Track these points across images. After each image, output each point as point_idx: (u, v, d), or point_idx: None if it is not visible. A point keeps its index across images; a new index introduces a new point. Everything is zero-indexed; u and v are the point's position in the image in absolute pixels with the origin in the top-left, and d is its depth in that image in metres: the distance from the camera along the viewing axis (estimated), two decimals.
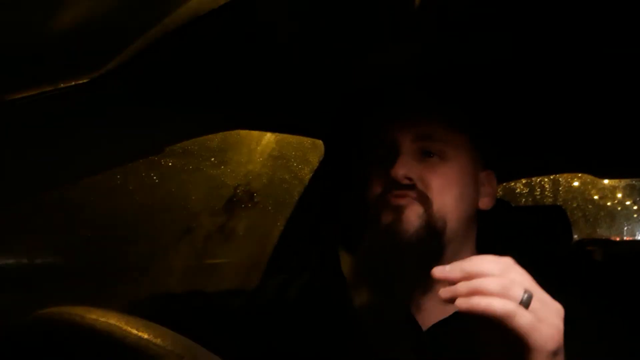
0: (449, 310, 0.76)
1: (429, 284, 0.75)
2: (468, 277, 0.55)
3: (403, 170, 0.75)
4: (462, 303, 0.53)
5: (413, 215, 0.75)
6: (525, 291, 0.53)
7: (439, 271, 0.57)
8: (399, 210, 0.75)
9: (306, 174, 1.36)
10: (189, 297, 1.07)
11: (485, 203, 0.84)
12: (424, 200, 0.76)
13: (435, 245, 0.76)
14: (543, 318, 0.53)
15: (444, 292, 0.55)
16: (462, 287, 0.54)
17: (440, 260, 0.76)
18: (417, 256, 0.74)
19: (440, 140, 0.79)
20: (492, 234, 0.84)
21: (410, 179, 0.76)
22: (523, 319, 0.51)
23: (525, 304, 0.53)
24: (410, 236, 0.74)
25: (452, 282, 0.56)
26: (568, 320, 0.71)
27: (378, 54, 0.86)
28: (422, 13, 0.67)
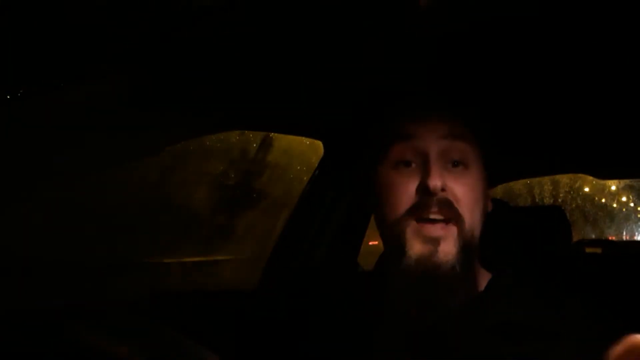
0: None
1: (458, 302, 0.73)
2: None
3: (440, 180, 0.70)
4: None
5: (450, 245, 0.70)
6: None
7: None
8: (435, 243, 0.70)
9: (306, 173, 1.36)
10: (190, 295, 1.07)
11: (489, 206, 0.81)
12: (458, 219, 0.71)
13: (469, 263, 0.73)
14: None
15: None
16: None
17: (473, 275, 0.74)
18: (452, 280, 0.71)
19: (464, 144, 0.74)
20: (491, 235, 0.84)
21: (444, 189, 0.71)
22: None
23: None
24: (451, 267, 0.70)
25: None
26: (568, 320, 0.71)
27: (379, 53, 0.86)
28: (427, 13, 0.67)
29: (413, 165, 0.73)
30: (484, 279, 0.79)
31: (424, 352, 0.73)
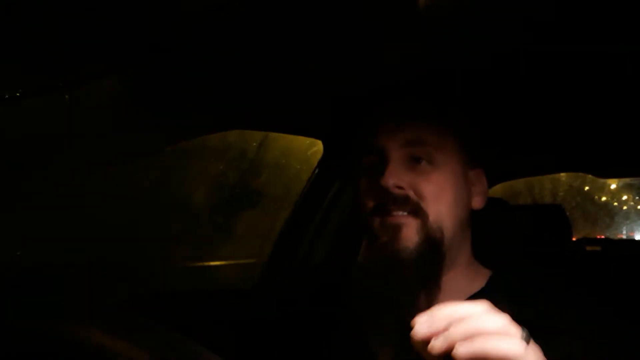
0: None
1: (430, 293, 0.75)
2: (455, 322, 0.50)
3: (393, 179, 0.74)
4: (464, 349, 0.47)
5: (411, 232, 0.74)
6: (523, 328, 0.50)
7: (421, 328, 0.50)
8: (396, 229, 0.74)
9: (306, 173, 1.36)
10: (189, 296, 1.07)
11: (477, 202, 0.82)
12: (420, 212, 0.74)
13: (435, 256, 0.75)
14: (541, 355, 0.51)
15: (437, 343, 0.49)
16: (457, 332, 0.49)
17: (441, 269, 0.75)
18: (418, 270, 0.73)
19: (429, 145, 0.77)
20: (491, 234, 0.84)
21: (401, 187, 0.75)
22: (530, 357, 0.48)
23: (527, 340, 0.49)
24: (410, 253, 0.73)
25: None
26: (567, 318, 0.71)
27: (378, 54, 0.86)
28: (426, 13, 0.67)
29: (377, 167, 0.77)
30: (483, 276, 0.79)
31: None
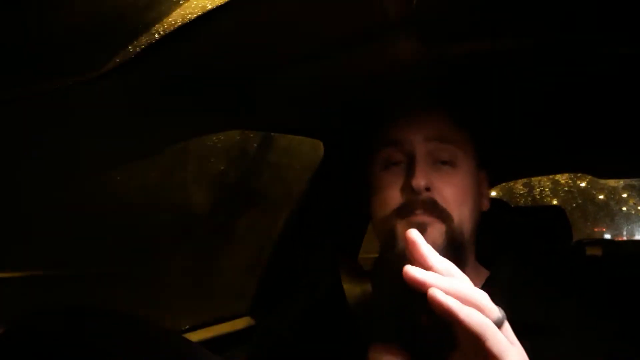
0: None
1: None
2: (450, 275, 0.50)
3: (424, 180, 0.71)
4: (440, 298, 0.46)
5: (436, 234, 0.71)
6: (501, 310, 0.49)
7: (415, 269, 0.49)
8: (422, 228, 0.70)
9: (306, 174, 1.36)
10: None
11: (485, 205, 0.82)
12: (446, 216, 0.72)
13: (458, 260, 0.74)
14: (514, 341, 0.49)
15: (414, 270, 0.48)
16: (444, 281, 0.48)
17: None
18: None
19: (452, 143, 0.75)
20: (491, 235, 0.84)
21: (429, 189, 0.72)
22: (498, 338, 0.47)
23: (499, 324, 0.48)
24: None
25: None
26: (565, 318, 0.71)
27: (376, 53, 0.86)
28: (420, 10, 0.67)
29: (402, 165, 0.75)
30: (482, 277, 0.80)
31: (419, 348, 0.73)
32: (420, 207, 0.72)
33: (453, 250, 0.72)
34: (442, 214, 0.72)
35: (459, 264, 0.73)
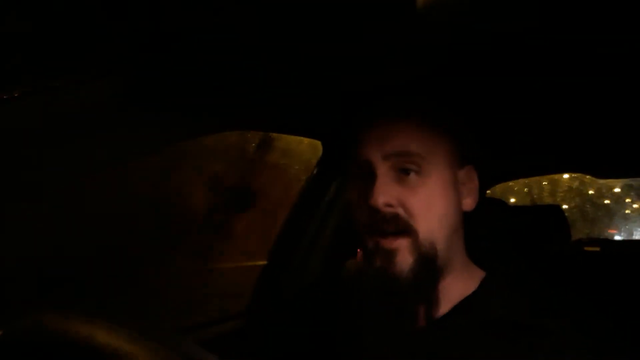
0: (442, 312, 0.76)
1: (428, 305, 0.75)
2: None
3: (382, 198, 0.72)
4: None
5: (405, 255, 0.73)
6: None
7: None
8: (391, 255, 0.73)
9: (305, 174, 1.36)
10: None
11: (468, 204, 0.80)
12: (410, 230, 0.73)
13: (430, 271, 0.74)
14: None
15: None
16: None
17: (437, 280, 0.75)
18: (415, 288, 0.73)
19: (416, 155, 0.74)
20: (488, 234, 0.84)
21: (390, 205, 0.73)
22: None
23: None
24: (406, 275, 0.73)
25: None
26: (559, 322, 0.71)
27: (376, 53, 0.86)
28: (425, 13, 0.67)
29: (365, 181, 0.75)
30: (477, 278, 0.79)
31: (415, 351, 0.74)
32: (382, 223, 0.73)
33: (424, 264, 0.73)
34: (406, 228, 0.73)
35: (434, 275, 0.74)
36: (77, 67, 0.67)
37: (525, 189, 8.42)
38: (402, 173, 0.74)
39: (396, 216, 0.73)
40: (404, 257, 0.73)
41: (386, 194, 0.73)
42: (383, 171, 0.74)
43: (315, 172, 1.34)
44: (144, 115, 0.82)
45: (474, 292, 0.77)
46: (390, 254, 0.73)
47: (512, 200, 7.87)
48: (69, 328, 0.44)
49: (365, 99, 0.85)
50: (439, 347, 0.73)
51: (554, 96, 1.12)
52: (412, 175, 0.74)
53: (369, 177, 0.75)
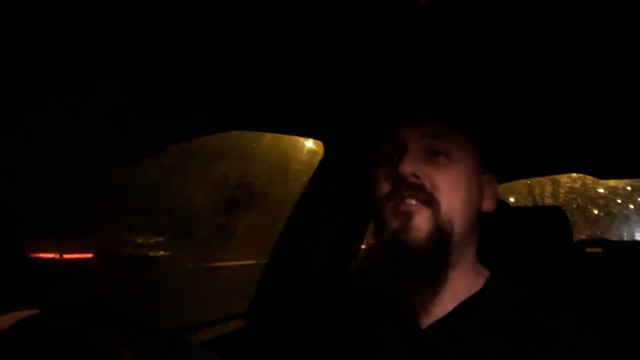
0: (446, 310, 0.76)
1: (435, 286, 0.75)
2: None
3: (411, 167, 0.74)
4: None
5: (422, 221, 0.74)
6: None
7: None
8: (408, 216, 0.74)
9: (306, 174, 1.36)
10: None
11: (487, 205, 0.83)
12: (432, 202, 0.75)
13: (443, 248, 0.75)
14: None
15: None
16: None
17: (447, 264, 0.75)
18: (425, 260, 0.73)
19: (447, 139, 0.78)
20: (492, 235, 0.84)
21: (417, 176, 0.75)
22: None
23: None
24: (420, 242, 0.73)
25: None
26: (565, 319, 0.71)
27: (382, 52, 0.86)
28: (428, 11, 0.67)
29: (395, 158, 0.78)
30: (483, 277, 0.80)
31: (420, 350, 0.74)
32: (407, 190, 0.75)
33: (439, 238, 0.74)
34: (428, 198, 0.75)
35: (446, 255, 0.75)
36: (77, 69, 0.67)
37: (529, 182, 8.39)
38: (433, 154, 0.78)
39: (422, 186, 0.75)
40: (421, 223, 0.74)
41: (415, 165, 0.75)
42: (415, 148, 0.78)
43: (317, 172, 1.34)
44: (145, 115, 0.82)
45: (479, 291, 0.77)
46: (408, 216, 0.74)
47: (512, 199, 7.87)
48: (71, 328, 0.44)
49: (374, 102, 0.87)
50: (442, 346, 0.73)
51: (555, 97, 1.12)
52: (442, 158, 0.78)
53: (401, 152, 0.77)
